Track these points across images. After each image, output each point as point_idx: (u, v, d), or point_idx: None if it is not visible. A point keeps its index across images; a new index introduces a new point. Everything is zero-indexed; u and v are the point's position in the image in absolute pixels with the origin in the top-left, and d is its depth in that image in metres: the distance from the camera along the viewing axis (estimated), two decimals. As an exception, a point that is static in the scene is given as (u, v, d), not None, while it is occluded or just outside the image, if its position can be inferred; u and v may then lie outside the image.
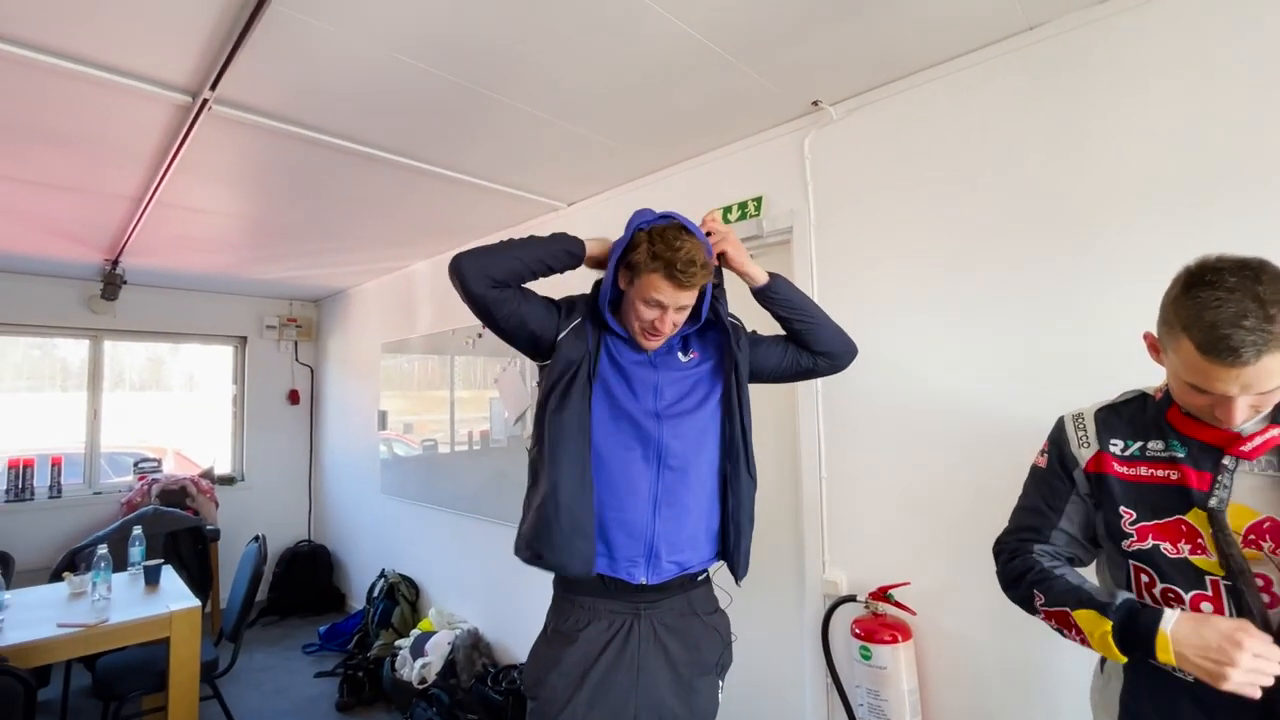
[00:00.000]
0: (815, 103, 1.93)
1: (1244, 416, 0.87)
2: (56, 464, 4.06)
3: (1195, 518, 0.93)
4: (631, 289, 1.28)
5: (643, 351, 1.34)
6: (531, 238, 1.34)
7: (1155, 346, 0.97)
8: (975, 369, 1.65)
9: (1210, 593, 0.91)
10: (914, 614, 1.68)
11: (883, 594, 1.71)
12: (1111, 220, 1.45)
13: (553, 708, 1.22)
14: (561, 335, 1.32)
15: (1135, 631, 0.88)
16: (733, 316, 1.41)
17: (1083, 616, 0.94)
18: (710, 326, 1.40)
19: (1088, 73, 1.50)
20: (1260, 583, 0.89)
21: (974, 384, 1.65)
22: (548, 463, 1.26)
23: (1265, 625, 0.86)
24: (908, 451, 1.77)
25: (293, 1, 1.40)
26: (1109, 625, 0.90)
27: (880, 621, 1.69)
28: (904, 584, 1.70)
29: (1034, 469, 1.15)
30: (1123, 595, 0.93)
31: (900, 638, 1.65)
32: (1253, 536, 0.90)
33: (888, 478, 1.81)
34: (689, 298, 1.26)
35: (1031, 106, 1.58)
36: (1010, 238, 1.60)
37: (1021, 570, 1.05)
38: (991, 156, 1.64)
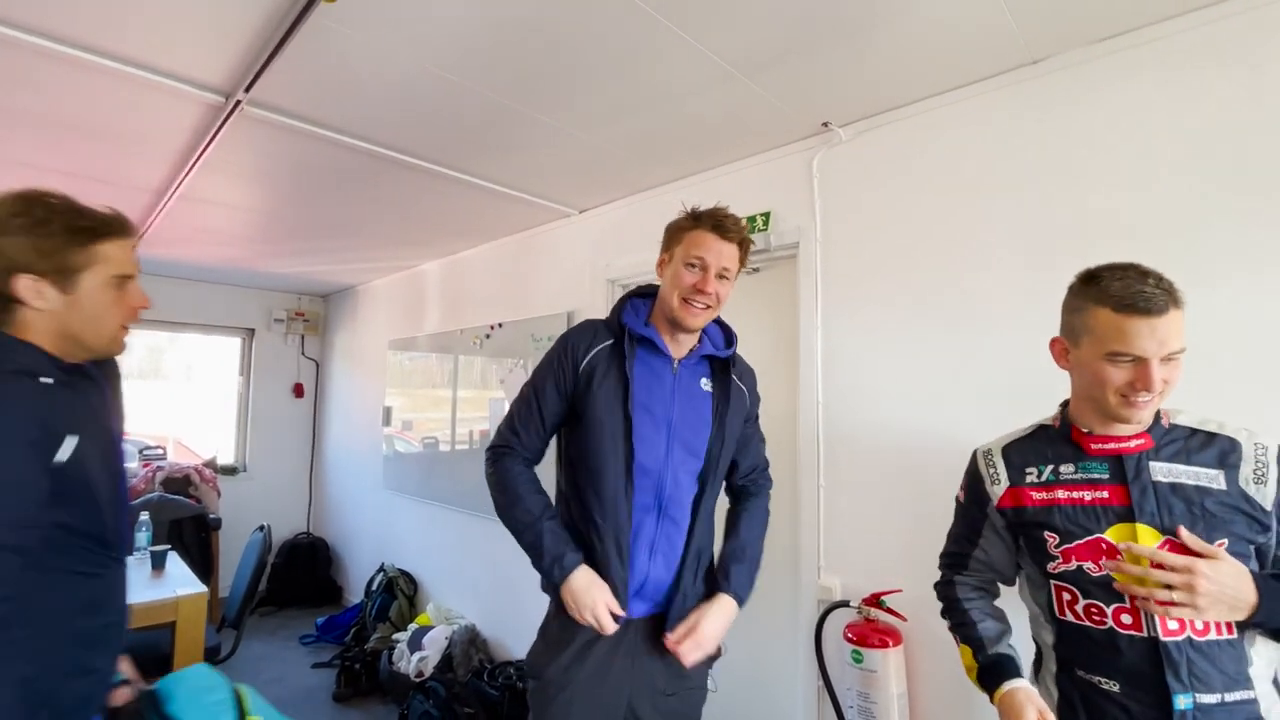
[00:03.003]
0: (825, 124, 2.01)
1: (1159, 384, 0.95)
2: (63, 448, 4.10)
3: (1114, 534, 1.00)
4: (671, 264, 1.34)
5: (670, 374, 1.36)
6: (534, 540, 1.29)
7: (1064, 350, 1.09)
8: (972, 387, 1.72)
9: (1129, 605, 0.99)
10: (905, 620, 1.74)
11: (875, 600, 1.77)
12: (1109, 249, 1.51)
13: (553, 688, 1.28)
14: (581, 388, 1.33)
15: (987, 682, 1.11)
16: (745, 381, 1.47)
17: (963, 650, 1.19)
18: (726, 372, 1.42)
19: (1087, 106, 1.57)
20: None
21: (970, 402, 1.72)
22: (594, 512, 1.31)
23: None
24: (904, 464, 1.83)
25: (334, 14, 1.47)
26: (976, 666, 1.15)
27: (872, 627, 1.75)
28: (896, 591, 1.76)
29: (956, 501, 1.26)
30: (996, 650, 1.14)
31: (891, 643, 1.71)
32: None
33: (884, 488, 1.87)
34: (730, 256, 1.31)
35: (1033, 136, 1.65)
36: (1010, 263, 1.67)
37: (946, 598, 1.27)
38: (994, 184, 1.71)
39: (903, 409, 1.84)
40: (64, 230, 0.99)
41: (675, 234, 1.35)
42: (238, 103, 1.88)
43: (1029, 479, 1.11)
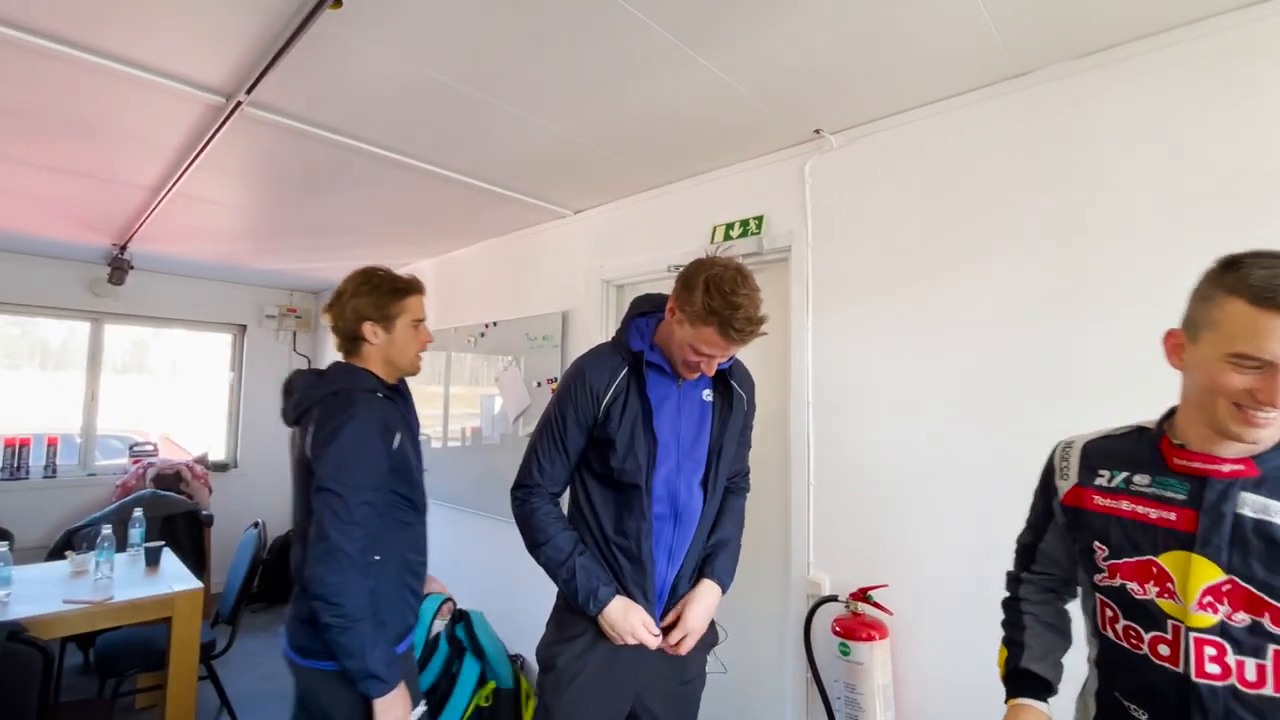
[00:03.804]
0: (817, 131, 2.05)
1: None
2: (52, 444, 4.09)
3: (1168, 560, 0.90)
4: (680, 330, 1.28)
5: (676, 389, 1.41)
6: (568, 576, 1.33)
7: (1178, 345, 0.93)
8: (958, 388, 1.77)
9: (1170, 636, 0.89)
10: (890, 614, 1.80)
11: (862, 595, 1.82)
12: (1090, 255, 1.58)
13: (565, 676, 1.34)
14: (602, 420, 1.37)
15: (1009, 688, 1.11)
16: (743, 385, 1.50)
17: (1000, 651, 1.17)
18: (726, 381, 1.45)
19: (1069, 118, 1.63)
20: (1213, 650, 0.86)
21: (957, 403, 1.77)
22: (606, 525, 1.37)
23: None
24: (891, 462, 1.89)
25: (339, 21, 1.50)
26: (1005, 671, 1.14)
27: (859, 620, 1.80)
28: (882, 586, 1.82)
29: (1035, 490, 1.17)
30: (1031, 666, 1.10)
31: (877, 635, 1.76)
32: (1209, 599, 0.86)
33: (872, 486, 1.92)
34: (736, 350, 1.29)
35: (1018, 147, 1.71)
36: (995, 269, 1.73)
37: (1009, 593, 1.20)
38: (979, 192, 1.77)
39: (891, 409, 1.90)
40: (388, 290, 1.52)
41: (689, 311, 1.24)
42: (238, 103, 1.90)
43: (1098, 481, 1.00)
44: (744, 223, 2.29)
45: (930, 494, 1.80)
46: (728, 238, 2.32)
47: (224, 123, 2.02)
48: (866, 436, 1.94)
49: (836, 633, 1.81)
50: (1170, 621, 0.89)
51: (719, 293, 1.19)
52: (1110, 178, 1.56)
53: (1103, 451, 1.02)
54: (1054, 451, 1.10)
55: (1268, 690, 0.83)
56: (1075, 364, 1.58)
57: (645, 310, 1.47)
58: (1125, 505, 0.95)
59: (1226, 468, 0.87)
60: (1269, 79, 1.38)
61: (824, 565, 2.01)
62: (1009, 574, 1.20)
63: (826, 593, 1.95)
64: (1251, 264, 0.82)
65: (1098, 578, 0.98)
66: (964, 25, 1.49)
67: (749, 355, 1.78)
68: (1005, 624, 1.17)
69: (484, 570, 3.35)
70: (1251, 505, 0.85)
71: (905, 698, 1.80)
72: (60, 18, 1.53)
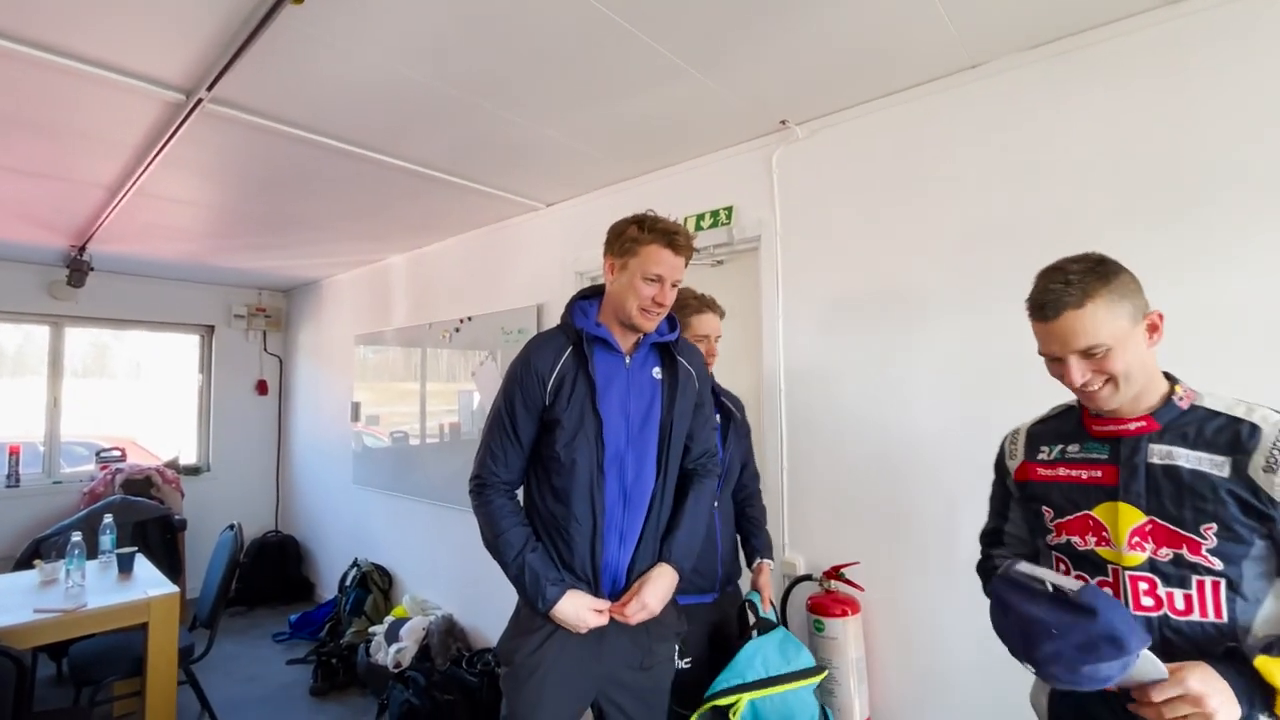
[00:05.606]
0: (783, 122, 2.09)
1: (1080, 376, 1.00)
2: (14, 452, 3.98)
3: (1100, 512, 1.03)
4: (625, 273, 1.37)
5: (624, 368, 1.42)
6: (518, 574, 1.35)
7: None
8: (924, 371, 1.83)
9: (1111, 580, 1.02)
10: (862, 590, 1.86)
11: (835, 573, 1.88)
12: (1046, 243, 1.65)
13: (524, 671, 1.34)
14: (550, 403, 1.37)
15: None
16: (702, 371, 1.52)
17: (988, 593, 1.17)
18: (673, 357, 1.48)
19: (1022, 108, 1.69)
20: (1145, 585, 0.98)
21: (923, 385, 1.84)
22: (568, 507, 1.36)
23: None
24: (859, 444, 1.95)
25: (301, 16, 1.49)
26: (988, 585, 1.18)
27: (833, 598, 1.87)
28: (854, 564, 1.88)
29: (992, 482, 1.29)
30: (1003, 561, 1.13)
31: (850, 611, 1.83)
32: (1136, 540, 0.99)
33: (842, 468, 1.98)
34: (681, 267, 1.38)
35: (973, 136, 1.76)
36: (953, 254, 1.79)
37: (983, 569, 1.26)
38: (938, 180, 1.82)
39: (859, 393, 1.95)
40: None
41: (628, 245, 1.37)
42: (199, 100, 1.87)
43: (1040, 456, 1.15)
44: (714, 213, 2.32)
45: (898, 475, 1.86)
46: (699, 228, 2.35)
47: (185, 120, 1.98)
48: (836, 421, 2.00)
49: (811, 610, 1.87)
50: (1110, 566, 1.03)
51: (647, 219, 1.38)
52: (1062, 166, 1.62)
53: (1042, 432, 1.18)
54: (1004, 440, 1.25)
55: (1195, 616, 0.96)
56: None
57: (588, 294, 1.49)
58: (1062, 471, 1.10)
59: (1132, 426, 1.03)
60: (1208, 69, 1.44)
61: (798, 546, 2.07)
62: (979, 562, 1.27)
63: (801, 573, 2.00)
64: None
65: (1049, 538, 1.11)
66: (919, 17, 1.54)
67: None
68: (986, 582, 1.22)
69: (463, 565, 3.36)
70: (1158, 454, 1.01)
71: (878, 668, 1.87)
72: (8, 12, 1.49)
